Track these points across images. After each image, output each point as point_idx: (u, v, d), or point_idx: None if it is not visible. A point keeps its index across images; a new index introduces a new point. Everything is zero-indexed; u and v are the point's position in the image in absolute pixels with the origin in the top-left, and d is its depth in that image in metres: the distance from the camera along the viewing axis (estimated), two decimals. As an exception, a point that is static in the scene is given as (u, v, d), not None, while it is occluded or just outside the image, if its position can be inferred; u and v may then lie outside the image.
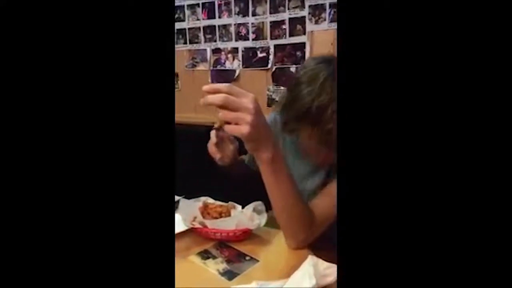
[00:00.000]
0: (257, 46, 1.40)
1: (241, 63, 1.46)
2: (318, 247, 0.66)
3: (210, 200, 0.79)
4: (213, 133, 0.74)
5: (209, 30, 1.50)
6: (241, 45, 1.45)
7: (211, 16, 1.48)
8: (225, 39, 1.48)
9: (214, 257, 0.65)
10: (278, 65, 1.37)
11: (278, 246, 0.69)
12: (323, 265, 0.51)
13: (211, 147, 0.76)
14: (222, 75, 1.51)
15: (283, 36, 1.34)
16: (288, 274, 0.51)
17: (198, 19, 1.51)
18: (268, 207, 0.76)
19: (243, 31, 1.43)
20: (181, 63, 1.59)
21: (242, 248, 0.68)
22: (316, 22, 1.26)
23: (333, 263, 0.52)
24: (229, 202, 0.78)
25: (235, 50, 1.47)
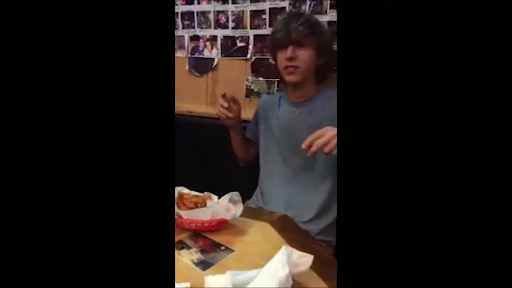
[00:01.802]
0: (237, 35, 1.38)
1: (219, 51, 1.43)
2: (294, 239, 0.68)
3: (185, 190, 0.78)
4: (221, 99, 0.96)
5: (187, 17, 1.46)
6: (220, 33, 1.42)
7: (189, 1, 1.44)
8: (203, 26, 1.44)
9: (189, 247, 0.65)
10: (257, 56, 1.35)
11: (253, 236, 0.70)
12: (296, 254, 0.52)
13: (222, 110, 0.95)
14: (200, 63, 1.48)
15: (263, 26, 1.32)
16: (262, 264, 0.51)
17: (176, 5, 1.46)
18: (244, 198, 0.76)
19: (223, 19, 1.40)
20: (157, 49, 1.54)
21: (217, 238, 0.68)
22: (296, 14, 1.26)
23: (307, 253, 0.53)
24: (205, 192, 0.78)
25: (214, 38, 1.43)
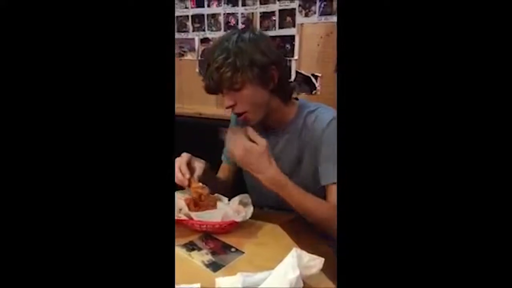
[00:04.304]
0: (246, 37, 1.39)
1: (229, 54, 1.45)
2: (304, 241, 0.68)
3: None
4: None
5: (198, 19, 1.47)
6: (230, 35, 1.43)
7: (199, 4, 1.45)
8: (213, 28, 1.45)
9: (199, 249, 0.65)
10: (267, 57, 1.36)
11: (263, 238, 0.70)
12: (306, 257, 0.52)
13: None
14: (210, 66, 1.50)
15: (272, 27, 1.32)
16: (272, 266, 0.51)
17: (186, 7, 1.48)
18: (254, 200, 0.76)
19: (233, 21, 1.41)
20: (168, 52, 1.56)
21: (228, 240, 0.68)
22: (306, 15, 1.25)
23: (318, 255, 0.53)
24: (216, 194, 0.78)
25: (223, 41, 1.45)
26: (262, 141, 0.69)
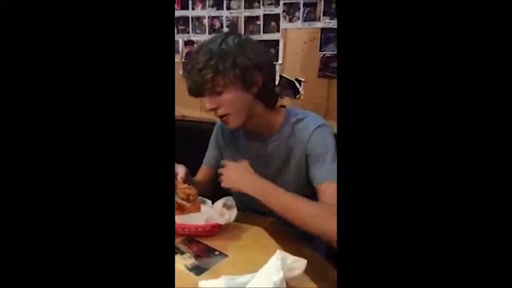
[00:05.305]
0: (231, 41, 1.39)
1: (214, 56, 1.44)
2: (287, 243, 0.68)
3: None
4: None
5: (182, 21, 1.47)
6: (214, 38, 1.43)
7: (184, 6, 1.45)
8: (198, 31, 1.45)
9: (182, 253, 0.64)
10: (251, 61, 1.37)
11: (247, 241, 0.69)
12: (290, 258, 0.53)
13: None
14: (194, 68, 1.49)
15: (257, 32, 1.34)
16: (256, 268, 0.52)
17: (170, 9, 1.48)
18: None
19: (217, 24, 1.41)
20: (151, 54, 1.54)
21: (211, 243, 0.68)
22: (290, 20, 1.27)
23: (301, 257, 0.53)
24: (199, 197, 0.78)
25: (208, 43, 1.45)
26: (242, 160, 0.76)
